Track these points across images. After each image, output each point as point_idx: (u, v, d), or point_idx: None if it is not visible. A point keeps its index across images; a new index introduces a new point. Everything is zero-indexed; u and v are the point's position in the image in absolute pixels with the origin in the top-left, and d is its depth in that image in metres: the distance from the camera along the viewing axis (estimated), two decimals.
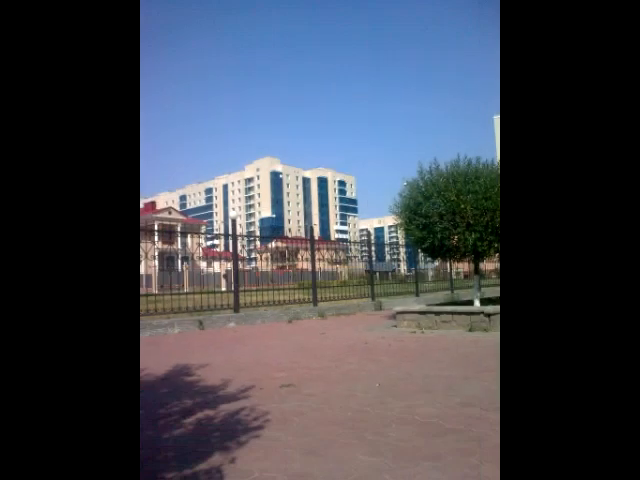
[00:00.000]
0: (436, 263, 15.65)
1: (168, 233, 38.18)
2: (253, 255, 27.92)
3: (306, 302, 10.53)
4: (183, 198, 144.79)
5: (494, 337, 5.66)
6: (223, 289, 13.52)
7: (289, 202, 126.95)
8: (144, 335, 7.29)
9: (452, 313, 6.91)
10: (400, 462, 2.00)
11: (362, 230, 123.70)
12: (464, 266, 19.02)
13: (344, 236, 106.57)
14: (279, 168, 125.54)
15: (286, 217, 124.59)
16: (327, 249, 13.35)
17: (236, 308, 9.02)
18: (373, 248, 13.34)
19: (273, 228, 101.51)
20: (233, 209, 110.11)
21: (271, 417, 2.73)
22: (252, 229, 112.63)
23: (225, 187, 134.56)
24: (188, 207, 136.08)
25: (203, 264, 25.24)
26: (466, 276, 20.30)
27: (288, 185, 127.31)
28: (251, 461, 2.08)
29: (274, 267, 19.30)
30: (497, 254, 7.87)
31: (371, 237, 14.30)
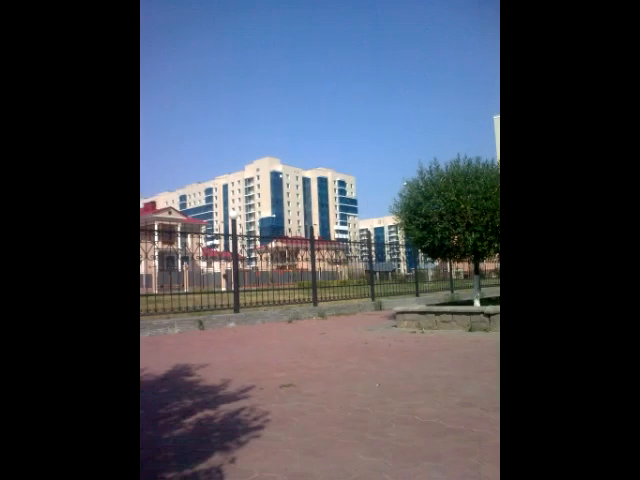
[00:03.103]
0: (436, 263, 15.66)
1: (168, 233, 38.18)
2: (253, 255, 27.93)
3: (306, 302, 10.52)
4: (183, 198, 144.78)
5: (494, 337, 5.66)
6: (223, 289, 13.52)
7: (289, 202, 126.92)
8: (144, 335, 7.29)
9: (452, 313, 6.91)
10: (400, 462, 2.00)
11: (362, 230, 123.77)
12: (464, 266, 19.03)
13: (344, 236, 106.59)
14: (279, 168, 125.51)
15: (286, 217, 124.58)
16: (327, 249, 13.35)
17: (236, 308, 9.02)
18: (373, 248, 13.34)
19: (273, 228, 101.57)
20: (233, 209, 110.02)
21: (271, 417, 2.73)
22: (252, 229, 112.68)
23: (225, 187, 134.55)
24: (188, 207, 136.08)
25: (203, 264, 25.24)
26: (466, 276, 20.31)
27: (288, 185, 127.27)
28: (251, 461, 2.08)
29: (274, 267, 19.30)
30: (497, 254, 7.88)
31: (371, 237, 14.31)
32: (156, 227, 37.89)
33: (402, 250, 18.21)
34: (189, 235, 40.40)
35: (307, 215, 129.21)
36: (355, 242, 14.22)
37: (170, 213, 50.77)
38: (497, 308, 6.45)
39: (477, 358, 4.46)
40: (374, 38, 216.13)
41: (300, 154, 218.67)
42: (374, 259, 13.53)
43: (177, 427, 2.62)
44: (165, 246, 27.39)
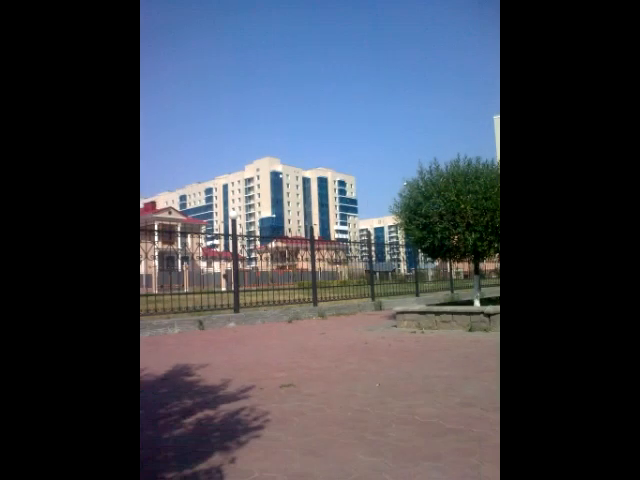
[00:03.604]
0: (436, 263, 15.66)
1: (168, 233, 38.18)
2: (253, 255, 27.93)
3: (306, 302, 10.52)
4: (183, 198, 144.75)
5: (494, 337, 5.66)
6: (223, 289, 13.52)
7: (289, 202, 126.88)
8: (144, 335, 7.29)
9: (452, 313, 6.91)
10: (400, 462, 2.00)
11: (362, 230, 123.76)
12: (464, 266, 19.03)
13: (344, 236, 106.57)
14: (279, 168, 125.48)
15: (286, 217, 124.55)
16: (327, 249, 13.35)
17: (236, 308, 9.02)
18: (373, 248, 13.34)
19: (273, 228, 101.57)
20: (233, 209, 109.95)
21: (271, 417, 2.73)
22: (252, 229, 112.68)
23: (225, 187, 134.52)
24: (188, 207, 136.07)
25: (203, 264, 25.24)
26: (466, 276, 20.31)
27: (288, 185, 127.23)
28: (251, 461, 2.08)
29: (274, 267, 19.30)
30: (497, 254, 7.88)
31: (371, 237, 14.31)
32: (156, 227, 37.89)
33: (402, 250, 18.22)
34: (189, 235, 40.39)
35: (307, 215, 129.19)
36: (355, 242, 14.21)
37: (170, 213, 50.77)
38: (497, 308, 6.45)
39: (477, 358, 4.46)
40: (374, 38, 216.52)
41: (300, 154, 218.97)
42: (374, 259, 13.53)
43: (177, 427, 2.62)
44: (165, 246, 27.39)
